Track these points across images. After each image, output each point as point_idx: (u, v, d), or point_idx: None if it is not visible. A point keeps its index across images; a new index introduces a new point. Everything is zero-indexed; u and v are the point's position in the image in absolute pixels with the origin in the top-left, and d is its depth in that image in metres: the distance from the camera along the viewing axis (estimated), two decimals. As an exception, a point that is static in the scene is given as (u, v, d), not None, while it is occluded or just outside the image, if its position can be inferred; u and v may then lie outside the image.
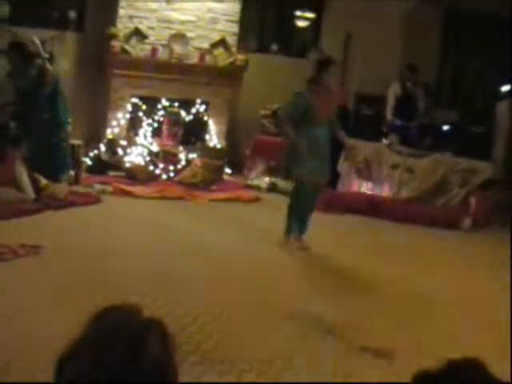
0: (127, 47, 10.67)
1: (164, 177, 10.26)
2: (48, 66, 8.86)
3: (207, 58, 11.14)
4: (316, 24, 12.42)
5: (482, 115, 10.93)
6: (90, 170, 10.00)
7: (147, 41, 10.89)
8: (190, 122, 10.98)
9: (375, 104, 11.06)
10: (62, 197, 8.35)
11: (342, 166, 9.91)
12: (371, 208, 9.44)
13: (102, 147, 10.41)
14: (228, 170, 10.98)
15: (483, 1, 10.86)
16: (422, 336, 5.37)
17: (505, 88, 11.12)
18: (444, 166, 9.84)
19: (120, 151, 10.42)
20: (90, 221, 7.90)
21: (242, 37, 11.50)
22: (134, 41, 10.81)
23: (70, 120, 9.02)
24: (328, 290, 6.32)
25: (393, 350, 4.97)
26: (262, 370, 4.47)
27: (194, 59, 11.08)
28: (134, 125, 10.79)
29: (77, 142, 9.60)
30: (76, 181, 9.30)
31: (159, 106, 10.73)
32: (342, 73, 8.59)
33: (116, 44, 10.48)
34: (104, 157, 10.33)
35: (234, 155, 11.15)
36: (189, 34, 11.07)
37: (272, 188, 10.51)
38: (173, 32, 10.98)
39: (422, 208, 9.53)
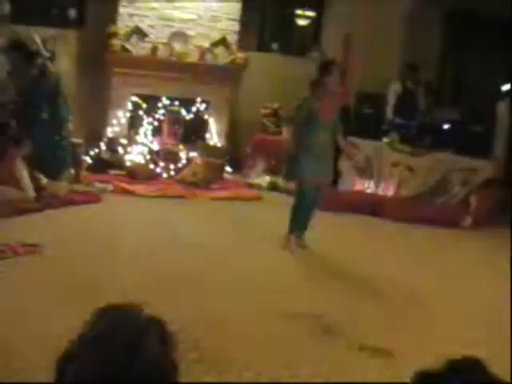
0: (128, 45, 10.68)
1: (164, 175, 10.27)
2: (49, 64, 8.86)
3: (208, 56, 11.14)
4: (316, 23, 12.42)
5: (482, 114, 10.92)
6: (90, 168, 10.00)
7: (148, 39, 10.89)
8: (191, 120, 10.98)
9: (376, 102, 11.06)
10: (63, 195, 8.35)
11: (343, 164, 9.90)
12: (371, 207, 9.43)
13: (103, 146, 10.41)
14: (229, 169, 10.98)
15: (484, 1, 10.86)
16: (421, 335, 5.37)
17: (505, 87, 11.11)
18: (444, 164, 9.83)
19: (120, 150, 10.42)
20: (91, 219, 7.89)
21: (243, 35, 11.50)
22: (134, 39, 10.81)
23: (70, 118, 9.03)
24: (328, 289, 6.32)
25: (392, 350, 4.97)
26: (261, 369, 4.46)
27: (194, 58, 11.09)
28: (134, 123, 10.79)
29: (77, 140, 9.60)
30: (76, 179, 9.30)
31: (160, 105, 10.73)
32: (343, 71, 8.57)
33: (116, 42, 10.49)
34: (104, 155, 10.34)
35: (234, 154, 11.15)
36: (189, 33, 11.07)
37: (273, 187, 10.50)
38: (173, 30, 10.99)
39: (423, 207, 9.53)
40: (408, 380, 1.60)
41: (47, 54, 8.94)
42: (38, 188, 8.20)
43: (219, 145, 11.16)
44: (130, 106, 10.79)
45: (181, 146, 10.69)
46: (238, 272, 6.49)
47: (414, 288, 6.54)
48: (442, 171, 9.81)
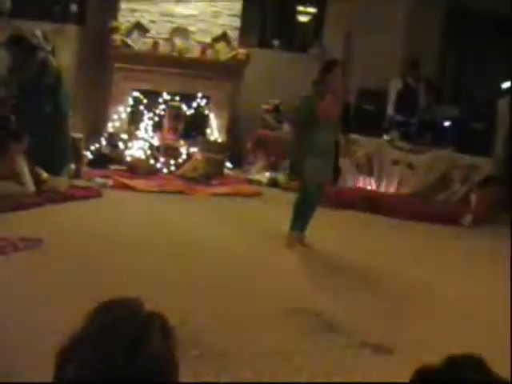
0: (128, 41, 10.67)
1: (165, 171, 10.27)
2: (51, 58, 8.86)
3: (209, 52, 11.14)
4: (318, 19, 12.41)
5: (482, 112, 10.92)
6: (90, 163, 10.01)
7: (149, 34, 10.89)
8: (191, 115, 10.98)
9: (376, 99, 11.06)
10: (63, 190, 8.35)
11: (343, 161, 9.91)
12: (371, 204, 9.43)
13: (103, 141, 10.42)
14: (229, 165, 10.98)
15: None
16: (422, 332, 5.36)
17: (506, 85, 11.11)
18: (445, 162, 9.83)
19: (121, 145, 10.42)
20: (91, 214, 7.89)
21: (244, 31, 11.50)
22: (135, 34, 10.81)
23: (70, 113, 9.02)
24: (328, 286, 6.32)
25: (393, 347, 4.97)
26: (261, 365, 4.47)
27: (195, 53, 11.08)
28: (135, 118, 10.80)
29: (78, 135, 9.60)
30: (77, 174, 9.30)
31: (160, 100, 10.73)
32: (344, 68, 8.57)
33: (117, 37, 10.48)
34: (105, 150, 10.34)
35: (234, 149, 11.15)
36: (190, 28, 11.07)
37: (273, 183, 10.50)
38: (174, 26, 10.98)
39: (423, 204, 9.53)
40: (409, 377, 1.60)
41: (49, 48, 8.93)
42: (39, 183, 8.19)
43: (220, 140, 11.16)
44: (130, 101, 10.80)
45: (181, 142, 10.69)
46: (237, 268, 6.49)
47: (414, 285, 6.54)
48: (442, 169, 9.82)
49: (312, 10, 12.25)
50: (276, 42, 12.38)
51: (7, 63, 8.85)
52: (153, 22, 10.94)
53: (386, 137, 10.38)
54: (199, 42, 11.12)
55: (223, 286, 5.95)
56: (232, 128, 11.48)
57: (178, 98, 10.84)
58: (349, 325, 5.33)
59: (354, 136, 9.83)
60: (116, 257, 6.36)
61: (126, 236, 7.12)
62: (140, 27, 10.84)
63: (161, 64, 10.83)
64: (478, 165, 9.69)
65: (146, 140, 10.51)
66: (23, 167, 8.05)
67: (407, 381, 1.60)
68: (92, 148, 10.22)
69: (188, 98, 10.96)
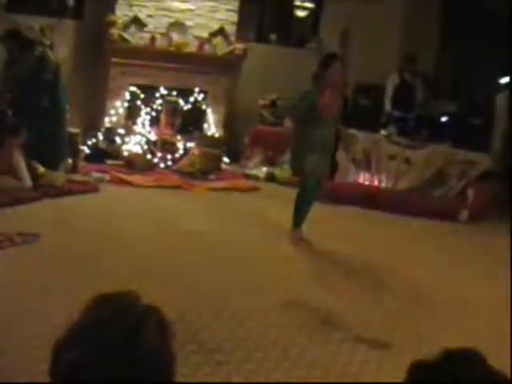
0: (126, 35, 10.65)
1: (162, 166, 10.27)
2: (49, 53, 8.85)
3: (206, 46, 11.13)
4: (315, 14, 12.39)
5: (480, 107, 10.91)
6: (87, 158, 10.00)
7: (146, 29, 10.87)
8: (189, 110, 10.98)
9: (373, 94, 11.05)
10: (60, 185, 8.34)
11: (340, 156, 9.91)
12: (368, 199, 9.43)
13: (100, 136, 10.41)
14: (226, 160, 10.97)
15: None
16: (418, 328, 5.37)
17: (504, 80, 11.10)
18: (442, 157, 9.83)
19: (118, 140, 10.41)
20: (88, 209, 7.89)
21: (241, 26, 11.48)
22: (132, 29, 10.79)
23: (67, 108, 9.01)
24: (324, 280, 6.33)
25: (389, 342, 4.98)
26: (258, 359, 4.47)
27: (192, 48, 11.06)
28: (132, 113, 10.78)
29: (75, 130, 9.59)
30: (74, 169, 9.29)
31: (157, 95, 10.72)
32: (342, 62, 8.56)
33: (114, 32, 10.46)
34: (102, 145, 10.33)
35: (232, 144, 11.15)
36: (188, 23, 11.05)
37: (270, 178, 10.50)
38: (172, 20, 10.96)
39: (420, 199, 9.53)
40: (405, 373, 1.60)
41: (47, 43, 8.92)
42: (35, 177, 8.18)
43: (217, 135, 11.15)
44: (127, 96, 10.78)
45: (178, 137, 10.69)
46: (234, 262, 6.49)
47: (411, 280, 6.55)
48: (439, 164, 9.81)
49: (309, 4, 12.23)
50: (273, 37, 12.36)
51: (4, 57, 8.84)
52: (150, 16, 10.93)
53: (383, 132, 10.38)
54: (196, 37, 11.10)
55: (221, 279, 5.95)
56: (229, 123, 11.47)
57: (175, 93, 10.83)
58: (345, 319, 5.34)
59: (351, 131, 9.82)
60: (113, 252, 6.36)
61: (122, 231, 7.12)
62: (137, 22, 10.82)
63: (158, 59, 10.82)
64: (475, 160, 9.69)
65: (143, 135, 10.50)
66: (20, 162, 8.04)
67: (403, 376, 1.60)
68: (89, 143, 10.21)
69: (185, 93, 10.95)
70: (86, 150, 10.10)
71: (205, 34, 11.14)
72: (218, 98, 11.32)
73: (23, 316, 4.74)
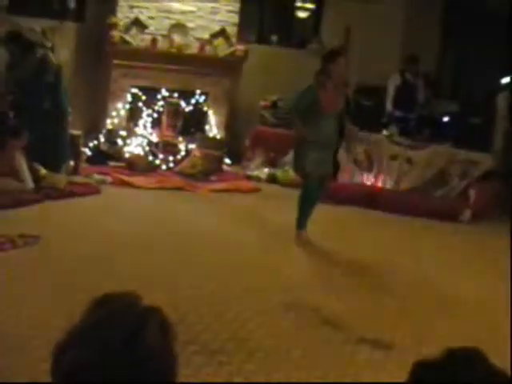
0: (127, 37, 10.66)
1: (163, 167, 10.27)
2: (51, 55, 8.86)
3: (207, 48, 11.13)
4: (316, 15, 12.39)
5: (481, 107, 10.91)
6: (89, 160, 10.00)
7: (147, 31, 10.87)
8: (190, 112, 10.97)
9: (375, 95, 11.05)
10: (62, 187, 8.34)
11: (342, 156, 9.90)
12: (370, 199, 9.43)
13: (102, 138, 10.41)
14: (227, 161, 10.97)
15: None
16: (420, 328, 5.37)
17: (505, 80, 11.09)
18: (443, 157, 9.82)
19: (119, 142, 10.42)
20: (90, 211, 7.89)
21: (242, 27, 11.48)
22: (133, 31, 10.79)
23: (69, 110, 9.02)
24: (326, 281, 6.32)
25: (391, 343, 4.98)
26: (260, 360, 4.47)
27: (193, 49, 11.06)
28: (133, 115, 10.79)
29: (76, 132, 9.59)
30: (75, 171, 9.29)
31: (159, 97, 10.72)
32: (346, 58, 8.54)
33: (116, 34, 10.47)
34: (103, 147, 10.34)
35: (233, 146, 11.15)
36: (189, 24, 11.05)
37: (271, 179, 10.50)
38: (173, 22, 10.96)
39: (421, 199, 9.52)
40: (407, 374, 1.60)
41: (49, 45, 8.93)
42: (37, 179, 8.19)
43: (218, 137, 11.15)
44: (129, 98, 10.78)
45: (180, 138, 10.69)
46: (237, 263, 6.49)
47: (413, 281, 6.54)
48: (440, 164, 9.80)
49: (310, 5, 12.22)
50: (274, 38, 12.36)
51: (5, 60, 8.85)
52: (151, 18, 10.93)
53: (384, 132, 10.37)
54: (197, 39, 11.10)
55: (222, 280, 5.95)
56: (230, 124, 11.47)
57: (176, 95, 10.83)
58: (347, 320, 5.34)
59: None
60: (115, 254, 6.36)
61: (124, 233, 7.11)
62: (138, 24, 10.83)
63: (159, 60, 10.82)
64: (476, 160, 9.68)
65: (144, 137, 10.50)
66: (22, 163, 8.04)
67: (405, 376, 1.60)
68: (91, 145, 10.21)
69: (186, 95, 10.96)
70: (88, 152, 10.10)
71: (206, 36, 11.14)
72: (219, 100, 11.32)
73: (24, 316, 4.75)
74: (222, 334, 4.79)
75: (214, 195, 9.31)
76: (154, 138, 10.55)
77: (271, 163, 10.97)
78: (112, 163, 10.12)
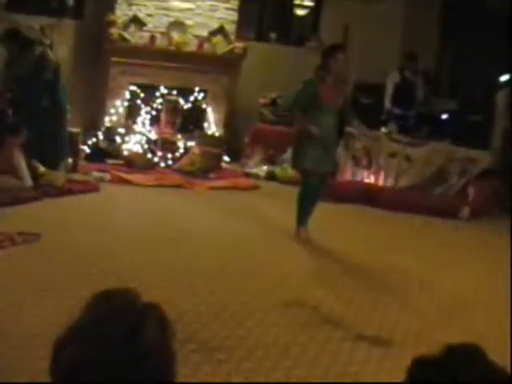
0: (125, 35, 10.64)
1: (162, 165, 10.26)
2: (49, 53, 8.85)
3: (206, 45, 11.11)
4: (315, 12, 12.38)
5: (480, 104, 10.91)
6: (88, 157, 10.00)
7: (146, 28, 10.85)
8: (189, 109, 10.96)
9: (374, 92, 11.05)
10: (60, 184, 8.33)
11: (341, 154, 9.90)
12: (369, 197, 9.43)
13: (100, 135, 10.40)
14: (226, 158, 10.96)
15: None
16: (419, 326, 5.37)
17: (504, 77, 11.09)
18: (442, 154, 9.82)
19: (118, 139, 10.40)
20: (88, 209, 7.88)
21: (241, 25, 11.47)
22: (132, 28, 10.77)
23: (68, 108, 9.01)
24: (325, 278, 6.32)
25: (390, 340, 4.98)
26: (259, 358, 4.47)
27: (192, 47, 11.05)
28: (132, 113, 10.77)
29: (75, 129, 9.58)
30: (74, 169, 9.28)
31: (157, 94, 10.71)
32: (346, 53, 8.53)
33: (114, 31, 10.45)
34: (102, 145, 10.32)
35: (232, 143, 11.14)
36: (187, 22, 11.03)
37: (270, 176, 10.50)
38: (171, 19, 10.95)
39: (420, 197, 9.52)
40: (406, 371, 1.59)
41: (47, 42, 8.92)
42: (36, 177, 8.18)
43: (217, 134, 11.14)
44: (127, 96, 10.77)
45: (178, 136, 10.68)
46: (234, 261, 6.49)
47: (412, 278, 6.54)
48: (439, 162, 9.80)
49: (309, 3, 12.21)
50: (273, 36, 12.35)
51: (4, 57, 8.83)
52: (150, 15, 10.91)
53: (383, 130, 10.37)
54: (196, 36, 11.09)
55: (220, 278, 5.95)
56: (229, 122, 11.46)
57: (175, 92, 10.82)
58: (346, 318, 5.34)
59: (351, 129, 9.81)
60: (113, 251, 6.36)
61: (123, 230, 7.11)
62: (137, 21, 10.81)
63: (158, 58, 10.81)
64: (475, 158, 9.68)
65: (143, 134, 10.49)
66: (20, 161, 8.04)
67: (404, 374, 1.59)
68: (89, 142, 10.20)
69: (185, 92, 10.94)
70: (87, 150, 10.09)
71: (204, 33, 11.13)
72: (218, 97, 11.31)
73: (24, 315, 4.74)
74: (220, 332, 4.79)
75: (212, 193, 9.31)
76: (153, 136, 10.54)
77: (270, 161, 10.96)
78: (110, 161, 10.11)
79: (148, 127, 10.61)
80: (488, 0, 11.44)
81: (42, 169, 8.34)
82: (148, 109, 10.66)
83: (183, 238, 7.05)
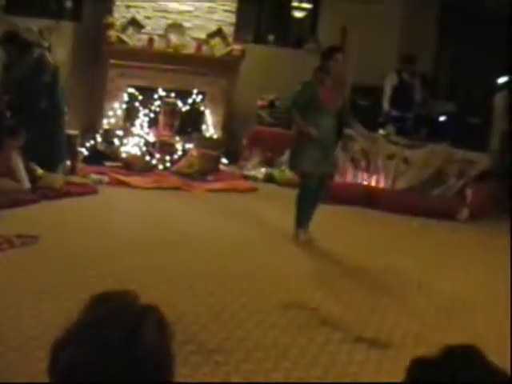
0: (124, 37, 10.64)
1: (160, 167, 10.25)
2: (48, 55, 8.85)
3: (204, 48, 11.12)
4: (313, 14, 12.39)
5: (478, 106, 10.92)
6: (86, 160, 9.99)
7: (144, 30, 10.85)
8: (187, 112, 10.96)
9: (372, 94, 11.05)
10: (58, 187, 8.33)
11: (339, 156, 9.89)
12: (367, 199, 9.43)
13: (99, 137, 10.40)
14: (224, 161, 10.96)
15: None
16: (418, 327, 5.37)
17: (502, 79, 11.10)
18: (440, 156, 9.82)
19: (116, 141, 10.40)
20: (87, 211, 7.88)
21: (239, 27, 11.47)
22: (130, 30, 10.77)
23: (66, 110, 9.01)
24: (324, 280, 6.32)
25: (389, 342, 4.97)
26: (258, 359, 4.47)
27: (190, 49, 11.05)
28: (130, 115, 10.77)
29: (73, 132, 9.58)
30: (72, 171, 9.28)
31: (156, 96, 10.71)
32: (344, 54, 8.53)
33: (112, 34, 10.45)
34: (100, 147, 10.32)
35: (230, 145, 11.14)
36: (186, 24, 11.04)
37: (268, 178, 10.49)
38: (170, 22, 10.95)
39: (418, 199, 9.52)
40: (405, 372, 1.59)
41: (46, 45, 8.92)
42: (34, 179, 8.18)
43: (215, 136, 11.15)
44: (125, 98, 10.77)
45: (177, 138, 10.68)
46: (233, 263, 6.49)
47: (410, 280, 6.54)
48: (438, 163, 9.80)
49: (307, 5, 12.21)
50: (271, 38, 12.36)
51: (2, 60, 8.83)
52: (148, 18, 10.92)
53: (381, 132, 10.37)
54: (194, 38, 11.09)
55: (219, 280, 5.95)
56: (227, 124, 11.46)
57: (173, 95, 10.82)
58: (345, 319, 5.34)
59: (349, 131, 9.82)
60: (112, 253, 6.35)
61: (121, 232, 7.11)
62: (135, 23, 10.81)
63: (156, 60, 10.81)
64: (473, 159, 9.69)
65: (141, 136, 10.49)
66: (18, 163, 8.03)
67: (403, 375, 1.59)
68: (87, 144, 10.20)
69: (183, 95, 10.95)
70: (85, 152, 10.09)
71: (203, 36, 11.14)
72: (216, 99, 11.32)
73: (22, 317, 4.74)
74: (219, 334, 4.79)
75: (210, 195, 9.31)
76: (151, 138, 10.54)
77: (268, 163, 10.96)
78: (109, 163, 10.11)
79: (146, 129, 10.61)
80: (487, 0, 11.44)
81: (40, 171, 8.34)
82: (146, 111, 10.66)
83: (182, 240, 7.05)
